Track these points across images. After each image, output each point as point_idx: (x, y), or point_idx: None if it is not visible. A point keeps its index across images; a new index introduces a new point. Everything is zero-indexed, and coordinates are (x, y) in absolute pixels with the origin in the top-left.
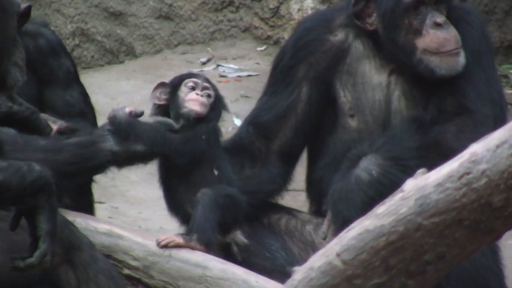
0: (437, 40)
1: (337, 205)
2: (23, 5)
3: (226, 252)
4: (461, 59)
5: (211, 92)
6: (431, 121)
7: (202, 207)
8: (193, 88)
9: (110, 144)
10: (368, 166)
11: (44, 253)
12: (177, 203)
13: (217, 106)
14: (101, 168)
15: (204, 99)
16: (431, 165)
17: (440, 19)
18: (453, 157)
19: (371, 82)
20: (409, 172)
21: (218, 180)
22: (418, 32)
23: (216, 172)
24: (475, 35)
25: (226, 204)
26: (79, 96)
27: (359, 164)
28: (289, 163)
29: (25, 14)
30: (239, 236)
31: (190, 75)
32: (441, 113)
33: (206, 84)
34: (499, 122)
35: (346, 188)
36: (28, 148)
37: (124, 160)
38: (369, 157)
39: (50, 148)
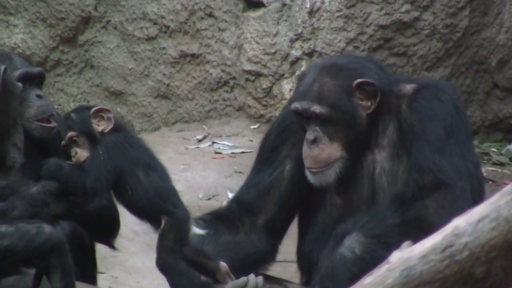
0: (303, 153)
1: (323, 281)
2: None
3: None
4: (322, 177)
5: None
6: (412, 198)
7: (173, 279)
8: None
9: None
10: (351, 245)
11: None
12: None
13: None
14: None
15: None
16: (413, 240)
17: (310, 136)
18: (434, 231)
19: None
20: (391, 249)
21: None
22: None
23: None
24: (447, 110)
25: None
26: None
27: (343, 242)
28: (274, 237)
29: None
30: (195, 230)
31: None
32: (421, 189)
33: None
34: (476, 194)
35: (332, 265)
36: None
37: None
38: (352, 236)
39: None
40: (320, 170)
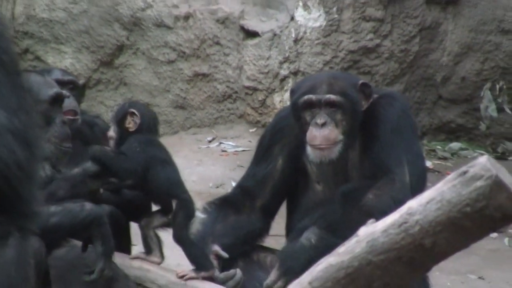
0: (310, 135)
1: (286, 261)
2: (53, 91)
3: None
4: (328, 153)
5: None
6: (356, 190)
7: (187, 248)
8: None
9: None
10: (308, 236)
11: (101, 270)
12: None
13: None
14: (86, 222)
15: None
16: (359, 223)
17: (321, 120)
18: (377, 213)
19: None
20: (340, 234)
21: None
22: (307, 126)
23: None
24: (394, 114)
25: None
26: None
27: (303, 234)
28: (269, 216)
29: (57, 99)
30: (198, 214)
31: None
32: (367, 180)
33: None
34: (415, 178)
35: (294, 249)
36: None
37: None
38: (310, 229)
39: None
40: (328, 147)
